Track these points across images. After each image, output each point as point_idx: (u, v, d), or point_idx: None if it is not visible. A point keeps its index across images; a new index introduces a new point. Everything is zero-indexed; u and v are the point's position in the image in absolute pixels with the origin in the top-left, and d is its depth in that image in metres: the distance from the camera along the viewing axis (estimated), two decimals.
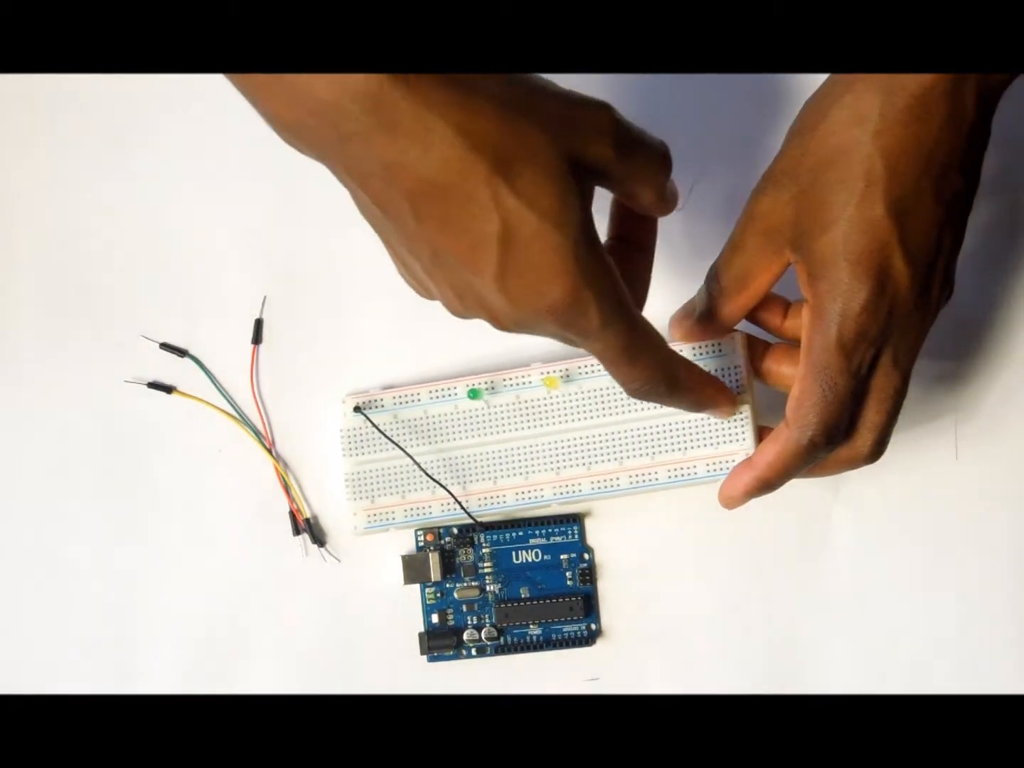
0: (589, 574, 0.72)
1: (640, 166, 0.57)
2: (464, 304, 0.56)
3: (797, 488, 0.68)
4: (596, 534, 0.72)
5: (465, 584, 0.72)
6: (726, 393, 0.64)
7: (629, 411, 0.67)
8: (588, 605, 0.72)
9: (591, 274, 0.54)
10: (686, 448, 0.67)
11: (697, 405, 0.62)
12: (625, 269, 0.58)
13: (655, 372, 0.58)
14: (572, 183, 0.54)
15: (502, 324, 0.56)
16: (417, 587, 0.72)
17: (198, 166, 0.73)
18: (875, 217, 0.58)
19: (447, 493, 0.68)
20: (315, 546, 0.72)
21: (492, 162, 0.52)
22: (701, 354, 0.66)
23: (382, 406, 0.69)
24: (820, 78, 0.62)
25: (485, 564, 0.72)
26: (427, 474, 0.69)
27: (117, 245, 0.73)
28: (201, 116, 0.73)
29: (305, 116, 0.52)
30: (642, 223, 0.62)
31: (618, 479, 0.67)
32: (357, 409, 0.69)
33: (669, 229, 0.71)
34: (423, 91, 0.52)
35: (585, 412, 0.68)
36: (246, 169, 0.73)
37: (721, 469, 0.66)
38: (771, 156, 0.62)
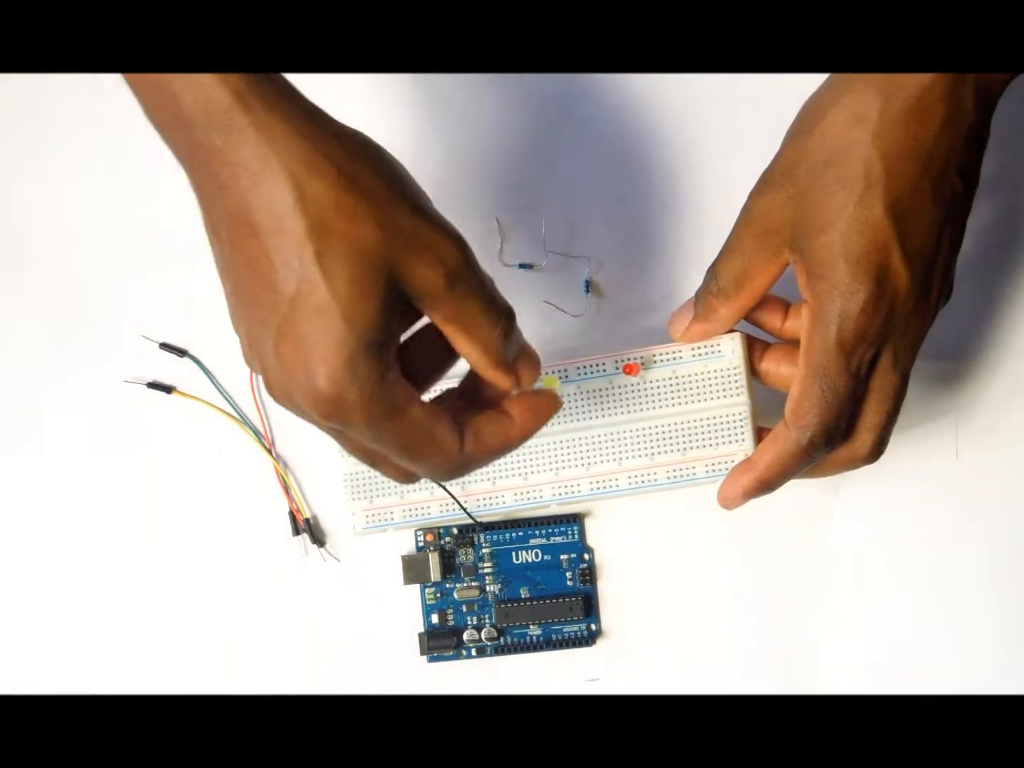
0: (589, 574, 0.72)
1: (471, 312, 0.55)
2: (251, 352, 0.55)
3: (797, 488, 0.68)
4: (596, 534, 0.72)
5: (465, 584, 0.72)
6: (540, 409, 0.59)
7: (628, 411, 0.67)
8: (588, 605, 0.72)
9: (361, 379, 0.53)
10: (685, 449, 0.67)
11: (505, 453, 0.59)
12: (468, 414, 0.57)
13: (441, 466, 0.57)
14: (381, 286, 0.53)
15: (272, 391, 0.55)
16: (417, 587, 0.72)
17: None
18: (874, 218, 0.58)
19: (445, 494, 0.68)
20: (315, 546, 0.72)
21: (312, 225, 0.52)
22: (700, 355, 0.66)
23: None
24: (819, 78, 0.61)
25: (485, 564, 0.72)
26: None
27: (117, 245, 0.73)
28: None
29: (168, 118, 0.53)
30: (481, 381, 0.59)
31: (617, 480, 0.67)
32: None
33: (668, 228, 0.71)
34: (273, 124, 0.52)
35: (584, 413, 0.67)
36: None
37: (720, 470, 0.66)
38: (770, 157, 0.62)
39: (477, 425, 0.57)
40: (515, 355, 0.58)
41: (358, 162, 0.53)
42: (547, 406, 0.60)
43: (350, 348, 0.52)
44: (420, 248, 0.53)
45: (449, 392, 0.61)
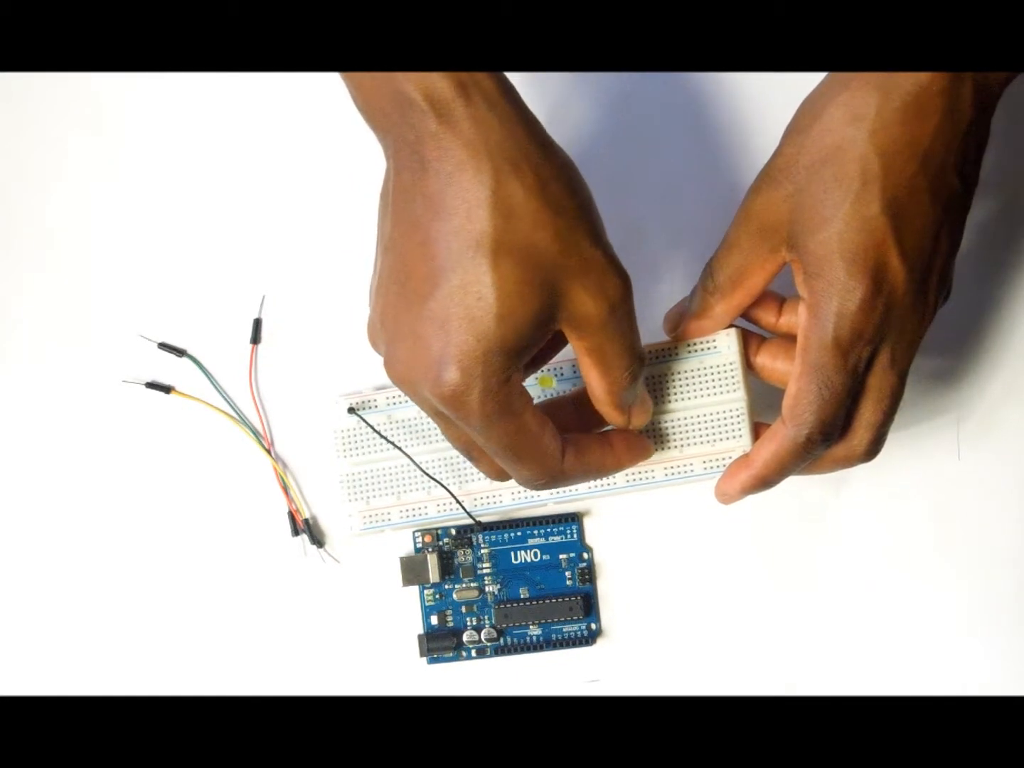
0: (588, 573, 0.72)
1: (613, 350, 0.58)
2: (382, 327, 0.58)
3: (797, 487, 0.68)
4: (595, 533, 0.72)
5: (464, 585, 0.72)
6: (636, 451, 0.64)
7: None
8: (588, 605, 0.71)
9: (488, 376, 0.56)
10: (682, 446, 0.66)
11: (596, 478, 0.63)
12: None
13: (539, 474, 0.59)
14: (542, 298, 0.56)
15: (393, 368, 0.58)
16: (416, 589, 0.72)
17: (198, 165, 0.73)
18: (871, 216, 0.58)
19: (443, 494, 0.68)
20: (314, 547, 0.72)
21: (499, 222, 0.55)
22: (696, 351, 0.66)
23: (376, 407, 0.69)
24: (818, 77, 0.61)
25: (484, 565, 0.72)
26: (427, 474, 0.68)
27: (116, 244, 0.73)
28: (202, 116, 0.73)
29: (385, 102, 0.56)
30: (593, 412, 0.62)
31: (615, 477, 0.67)
32: (351, 410, 0.69)
33: (667, 226, 0.71)
34: (489, 119, 0.55)
35: None
36: (246, 170, 0.73)
37: (718, 466, 0.66)
38: (768, 154, 0.62)
39: (580, 443, 0.61)
40: (634, 401, 0.62)
41: (557, 177, 0.56)
42: (642, 450, 0.64)
43: (491, 346, 0.55)
44: (590, 275, 0.56)
45: (563, 399, 0.65)
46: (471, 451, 0.61)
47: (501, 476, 0.62)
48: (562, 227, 0.56)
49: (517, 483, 0.61)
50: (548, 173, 0.56)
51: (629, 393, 0.61)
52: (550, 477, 0.60)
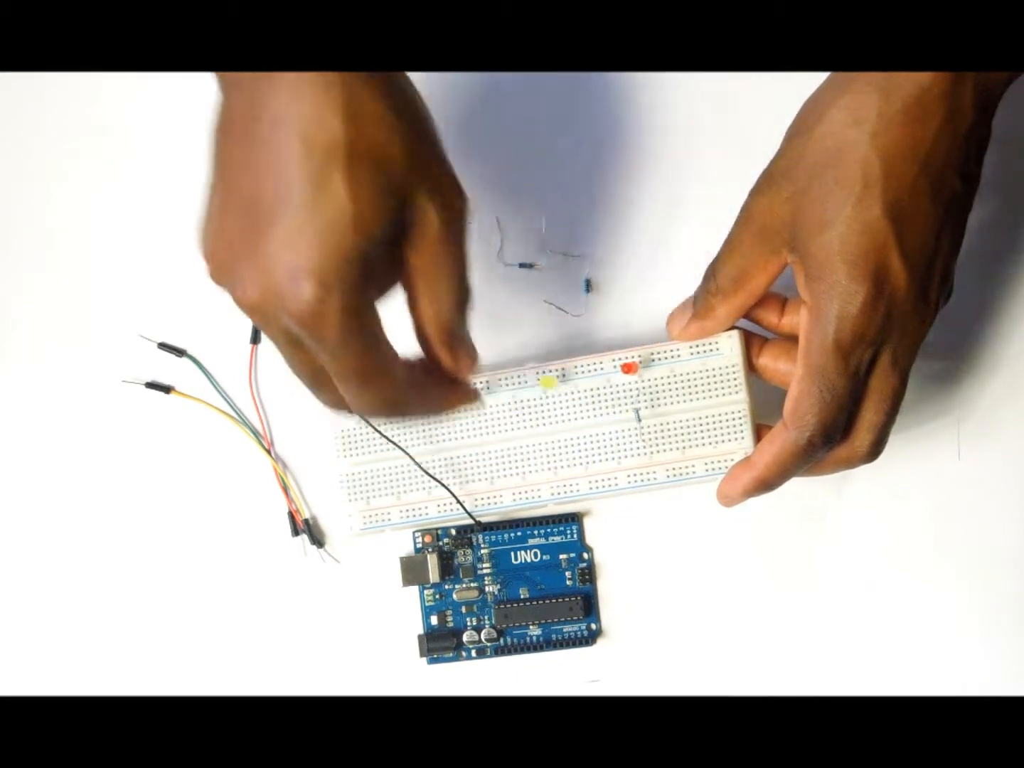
0: (589, 574, 0.72)
1: (447, 265, 0.57)
2: (227, 254, 0.56)
3: (798, 488, 0.68)
4: (595, 533, 0.72)
5: (464, 585, 0.72)
6: (460, 395, 0.63)
7: (627, 411, 0.67)
8: (588, 605, 0.71)
9: (348, 287, 0.54)
10: (684, 447, 0.66)
11: (430, 414, 0.64)
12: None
13: (383, 401, 0.58)
14: (393, 208, 0.55)
15: (243, 292, 0.55)
16: (416, 589, 0.72)
17: (198, 165, 0.73)
18: (872, 218, 0.58)
19: (442, 494, 0.68)
20: (314, 547, 0.72)
21: (350, 131, 0.54)
22: (698, 353, 0.66)
23: None
24: (819, 77, 0.61)
25: (484, 565, 0.72)
26: (428, 474, 0.68)
27: (116, 244, 0.73)
28: (203, 116, 0.73)
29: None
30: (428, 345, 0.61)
31: (616, 479, 0.67)
32: None
33: (668, 227, 0.71)
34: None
35: (582, 412, 0.67)
36: None
37: (720, 468, 0.66)
38: (770, 156, 0.62)
39: (424, 381, 0.60)
40: (461, 340, 0.60)
41: (407, 94, 0.56)
42: (471, 396, 0.64)
43: (348, 255, 0.54)
44: (435, 186, 0.56)
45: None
46: (316, 379, 0.58)
47: (340, 405, 0.60)
48: (412, 138, 0.55)
49: (353, 409, 0.59)
50: (397, 87, 0.56)
51: (459, 328, 0.59)
52: (392, 405, 0.59)
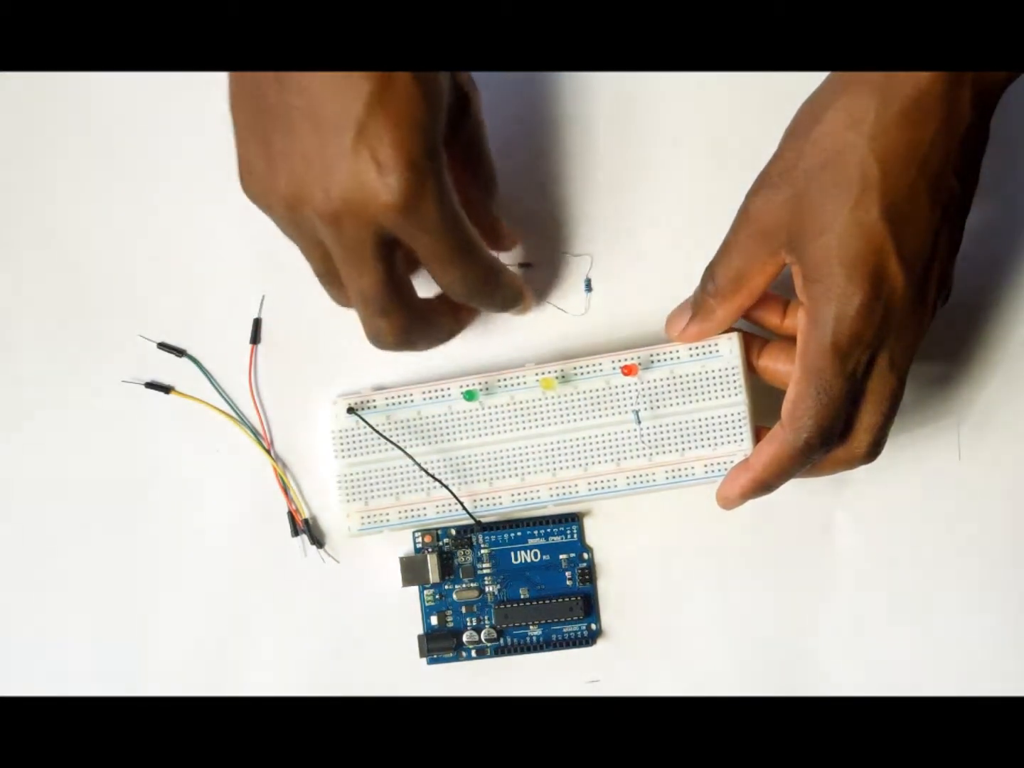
0: (589, 574, 0.72)
1: (481, 144, 0.65)
2: (305, 176, 0.57)
3: (798, 489, 0.68)
4: (595, 533, 0.72)
5: (464, 585, 0.72)
6: (529, 293, 0.68)
7: (626, 412, 0.67)
8: (588, 605, 0.71)
9: (437, 168, 0.57)
10: (684, 449, 0.66)
11: (506, 306, 0.65)
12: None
13: (479, 275, 0.61)
14: (446, 79, 0.59)
15: (334, 199, 0.57)
16: (416, 589, 0.72)
17: (196, 165, 0.73)
18: (870, 221, 0.58)
19: (442, 495, 0.68)
20: (314, 547, 0.72)
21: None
22: (697, 355, 0.66)
23: (374, 407, 0.69)
24: (817, 77, 0.61)
25: (484, 565, 0.72)
26: (429, 474, 0.68)
27: (115, 244, 0.73)
28: (199, 115, 0.73)
29: None
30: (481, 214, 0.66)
31: (615, 480, 0.67)
32: (351, 410, 0.69)
33: (666, 228, 0.71)
34: None
35: (581, 413, 0.67)
36: None
37: (719, 470, 0.66)
38: (767, 156, 0.62)
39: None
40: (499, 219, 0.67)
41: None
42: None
43: (429, 133, 0.57)
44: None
45: None
46: (395, 290, 0.61)
47: (345, 301, 0.63)
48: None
49: (456, 296, 0.62)
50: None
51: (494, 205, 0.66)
52: (485, 281, 0.62)
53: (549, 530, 0.72)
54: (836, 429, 0.61)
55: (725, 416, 0.66)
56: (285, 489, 0.72)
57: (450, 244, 0.59)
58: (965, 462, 0.71)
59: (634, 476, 0.67)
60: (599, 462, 0.67)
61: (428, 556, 0.71)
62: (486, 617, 0.72)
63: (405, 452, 0.68)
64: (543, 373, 0.67)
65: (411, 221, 0.57)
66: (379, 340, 0.62)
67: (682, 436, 0.66)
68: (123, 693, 0.73)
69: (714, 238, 0.63)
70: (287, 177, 0.58)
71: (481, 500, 0.68)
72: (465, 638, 0.72)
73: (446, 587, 0.72)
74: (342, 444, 0.69)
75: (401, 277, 0.61)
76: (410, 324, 0.62)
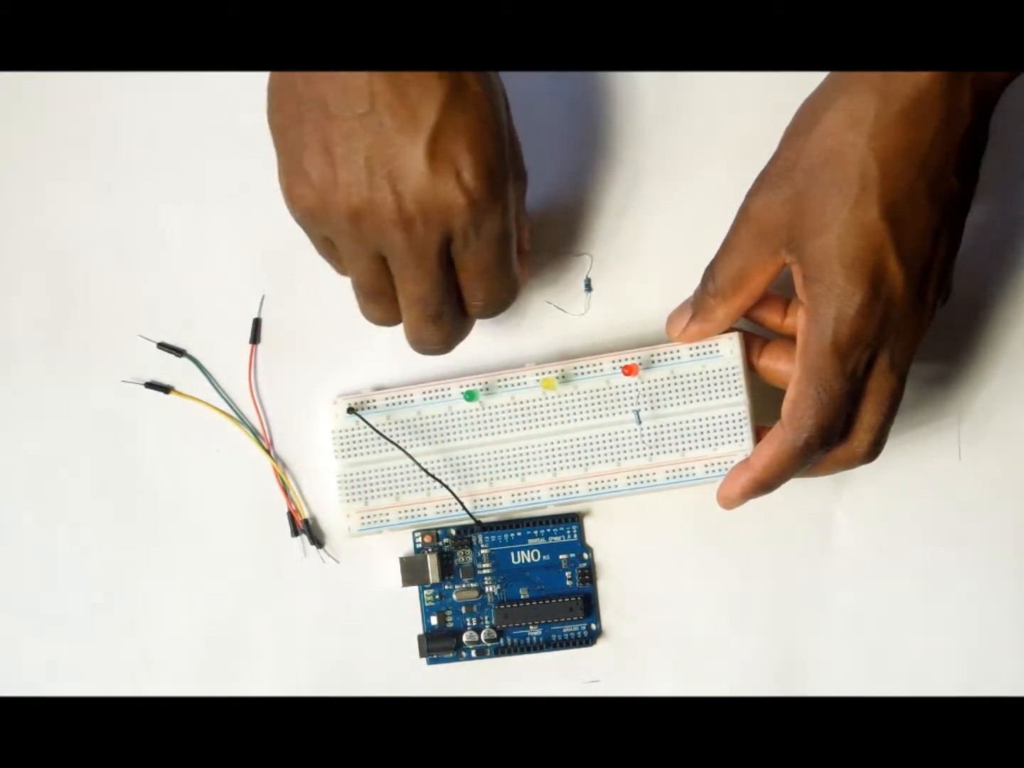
0: (589, 574, 0.72)
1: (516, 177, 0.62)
2: (371, 181, 0.57)
3: (799, 489, 0.68)
4: (595, 533, 0.72)
5: (464, 586, 0.72)
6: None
7: (627, 412, 0.67)
8: (588, 605, 0.71)
9: (505, 169, 0.58)
10: (684, 449, 0.66)
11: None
12: None
13: (512, 287, 0.62)
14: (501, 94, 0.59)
15: (408, 202, 0.57)
16: (416, 589, 0.72)
17: (196, 165, 0.73)
18: (870, 221, 0.58)
19: (442, 495, 0.68)
20: (314, 547, 0.72)
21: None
22: (698, 355, 0.66)
23: (374, 407, 0.69)
24: (817, 77, 0.61)
25: (484, 565, 0.72)
26: (429, 474, 0.68)
27: (115, 245, 0.73)
28: (198, 116, 0.73)
29: None
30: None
31: (616, 480, 0.67)
32: (351, 410, 0.69)
33: (668, 228, 0.71)
34: None
35: (582, 413, 0.67)
36: (243, 169, 0.73)
37: (720, 470, 0.66)
38: (767, 156, 0.62)
39: None
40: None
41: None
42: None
43: (498, 136, 0.58)
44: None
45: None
46: (445, 291, 0.61)
47: (383, 316, 0.63)
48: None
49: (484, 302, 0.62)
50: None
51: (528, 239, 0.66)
52: (509, 299, 0.63)
53: (549, 530, 0.72)
54: (836, 429, 0.61)
55: (725, 416, 0.66)
56: (285, 489, 0.72)
57: (500, 254, 0.60)
58: (965, 462, 0.71)
59: (634, 476, 0.67)
60: (599, 462, 0.67)
61: (428, 556, 0.71)
62: (486, 617, 0.72)
63: (405, 452, 0.68)
64: (543, 373, 0.67)
65: (479, 226, 0.58)
66: (424, 344, 0.63)
67: (682, 436, 0.66)
68: (123, 693, 0.73)
69: (714, 238, 0.63)
70: (351, 187, 0.58)
71: (481, 500, 0.68)
72: (465, 638, 0.72)
73: (446, 587, 0.72)
74: (342, 444, 0.69)
75: (452, 284, 0.61)
76: (453, 330, 0.62)
